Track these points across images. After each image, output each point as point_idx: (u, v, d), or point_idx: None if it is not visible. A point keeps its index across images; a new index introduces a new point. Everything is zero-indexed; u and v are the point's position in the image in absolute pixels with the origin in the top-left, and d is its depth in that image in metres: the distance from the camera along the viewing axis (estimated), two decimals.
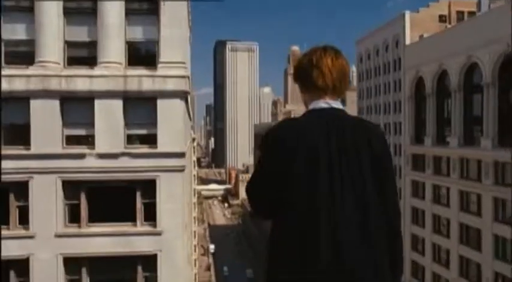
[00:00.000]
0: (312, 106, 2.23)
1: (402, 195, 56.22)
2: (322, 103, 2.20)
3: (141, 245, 17.59)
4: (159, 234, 17.82)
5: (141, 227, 17.84)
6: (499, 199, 38.14)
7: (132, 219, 17.83)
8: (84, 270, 17.23)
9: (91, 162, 17.34)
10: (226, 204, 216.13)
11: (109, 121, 17.55)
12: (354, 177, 2.02)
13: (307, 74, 2.26)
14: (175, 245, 18.12)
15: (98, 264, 17.37)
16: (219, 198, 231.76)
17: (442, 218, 47.13)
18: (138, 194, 17.79)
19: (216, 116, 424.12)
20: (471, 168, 42.46)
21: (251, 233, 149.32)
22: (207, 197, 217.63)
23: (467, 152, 42.74)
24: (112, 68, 17.63)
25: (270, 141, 2.14)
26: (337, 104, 2.21)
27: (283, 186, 2.05)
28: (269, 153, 2.13)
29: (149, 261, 17.64)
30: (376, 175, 2.07)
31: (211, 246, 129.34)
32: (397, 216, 2.14)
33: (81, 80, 17.45)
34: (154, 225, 17.88)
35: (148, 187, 17.87)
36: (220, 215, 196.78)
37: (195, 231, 70.18)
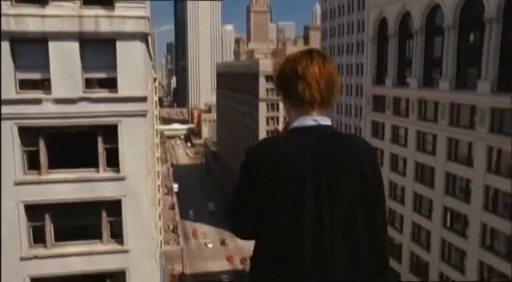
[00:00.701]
0: (297, 123, 2.04)
1: (362, 135, 57.75)
2: (310, 120, 2.02)
3: (104, 191, 17.50)
4: (122, 179, 17.72)
5: (103, 172, 17.65)
6: (453, 139, 39.80)
7: (95, 165, 17.57)
8: (47, 217, 17.09)
9: (48, 107, 16.69)
10: (189, 144, 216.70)
11: (65, 64, 16.76)
12: (343, 204, 1.93)
13: (291, 86, 2.05)
14: (139, 190, 18.13)
15: (62, 210, 17.24)
16: (182, 137, 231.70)
17: (400, 157, 49.00)
18: (99, 140, 17.43)
19: (178, 54, 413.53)
20: (429, 109, 43.72)
21: (214, 171, 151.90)
22: (170, 137, 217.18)
23: (426, 93, 43.81)
24: (65, 7, 16.56)
25: (251, 163, 1.99)
26: (325, 120, 2.04)
27: (266, 212, 1.96)
28: (251, 176, 1.99)
29: (113, 207, 17.66)
30: (367, 200, 1.98)
31: (175, 186, 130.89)
32: (386, 240, 2.08)
33: (32, 20, 16.36)
34: (118, 171, 17.73)
35: (110, 132, 17.50)
36: (183, 155, 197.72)
37: (158, 172, 70.39)
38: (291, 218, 1.91)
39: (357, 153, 1.99)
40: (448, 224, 40.77)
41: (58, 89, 16.76)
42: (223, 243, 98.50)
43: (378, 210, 2.03)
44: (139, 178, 18.17)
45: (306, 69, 2.01)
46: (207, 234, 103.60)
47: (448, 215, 40.87)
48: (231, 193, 2.11)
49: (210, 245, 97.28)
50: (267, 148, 2.00)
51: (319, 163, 1.92)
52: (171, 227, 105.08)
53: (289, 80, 2.06)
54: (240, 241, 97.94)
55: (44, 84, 16.84)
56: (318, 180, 1.91)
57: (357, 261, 1.94)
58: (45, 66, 16.61)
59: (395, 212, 48.74)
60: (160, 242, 61.49)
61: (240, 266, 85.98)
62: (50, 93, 16.71)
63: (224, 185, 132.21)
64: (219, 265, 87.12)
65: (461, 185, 39.39)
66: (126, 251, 17.90)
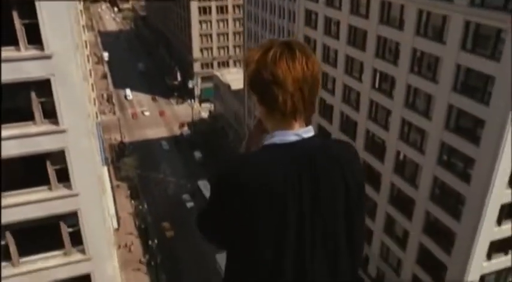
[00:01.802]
0: (278, 139, 1.83)
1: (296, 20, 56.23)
2: (292, 135, 1.82)
3: (30, 71, 16.46)
4: (48, 57, 16.62)
5: (25, 51, 16.39)
6: (386, 2, 39.87)
7: (14, 43, 16.19)
8: None
9: None
10: (116, 9, 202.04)
11: None
12: (326, 222, 1.85)
13: (269, 93, 1.79)
14: (68, 68, 17.21)
15: None
16: (107, 1, 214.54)
17: (333, 20, 48.90)
18: (14, 15, 15.81)
19: None
20: None
21: (144, 36, 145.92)
22: (94, 1, 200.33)
23: None
24: None
25: (226, 179, 1.80)
26: (307, 132, 1.85)
27: (243, 231, 1.83)
28: (226, 192, 1.81)
29: (43, 87, 16.82)
30: (349, 213, 1.91)
31: (105, 54, 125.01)
32: (363, 249, 2.05)
33: None
34: (41, 48, 16.51)
35: (26, 5, 15.85)
36: (111, 21, 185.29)
37: (85, 41, 66.28)
38: (272, 238, 1.80)
39: (342, 167, 1.87)
40: (377, 85, 42.93)
41: None
42: (154, 99, 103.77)
43: (358, 223, 1.98)
44: (67, 55, 17.09)
45: (288, 74, 1.75)
46: (143, 103, 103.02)
47: (377, 76, 42.77)
48: (203, 206, 1.98)
49: (146, 113, 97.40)
50: (242, 168, 1.81)
51: (302, 180, 1.79)
52: (105, 96, 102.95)
53: (266, 86, 1.79)
54: (176, 107, 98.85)
55: None
56: (301, 198, 1.79)
57: (337, 276, 1.91)
58: None
59: (327, 75, 50.29)
60: (96, 113, 60.71)
61: (177, 131, 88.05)
62: None
63: (157, 48, 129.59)
64: (157, 132, 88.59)
65: (391, 47, 40.64)
66: (62, 131, 17.61)
